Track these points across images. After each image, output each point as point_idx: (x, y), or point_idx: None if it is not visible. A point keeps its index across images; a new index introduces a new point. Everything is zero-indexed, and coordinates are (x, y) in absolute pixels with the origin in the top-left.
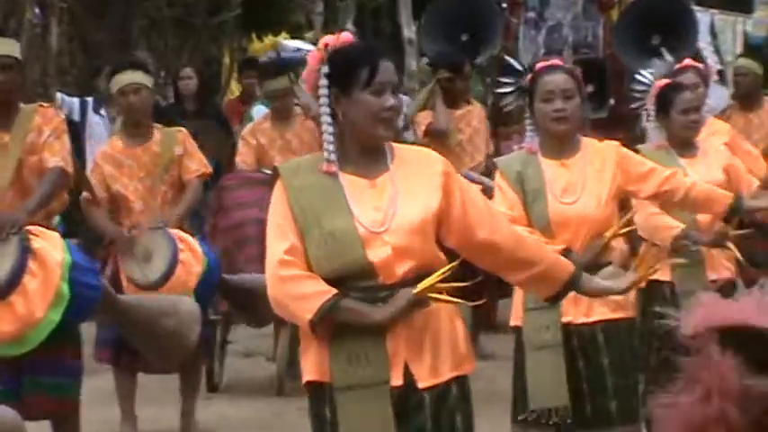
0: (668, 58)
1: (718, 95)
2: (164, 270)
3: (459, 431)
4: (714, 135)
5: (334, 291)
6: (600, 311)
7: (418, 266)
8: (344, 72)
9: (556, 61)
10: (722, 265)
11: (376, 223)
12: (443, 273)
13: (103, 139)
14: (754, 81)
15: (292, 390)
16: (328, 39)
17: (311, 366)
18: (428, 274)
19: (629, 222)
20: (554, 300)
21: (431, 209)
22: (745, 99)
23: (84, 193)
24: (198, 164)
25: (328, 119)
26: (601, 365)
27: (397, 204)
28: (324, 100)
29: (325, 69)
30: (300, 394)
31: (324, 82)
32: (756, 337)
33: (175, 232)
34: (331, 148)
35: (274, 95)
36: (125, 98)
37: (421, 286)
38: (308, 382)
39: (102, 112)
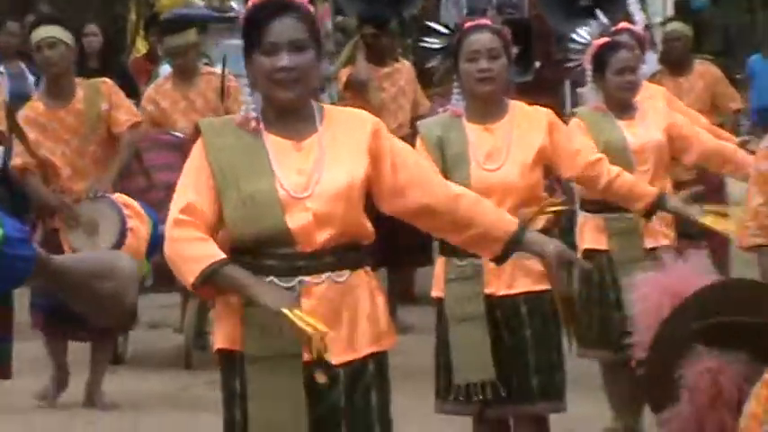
0: (603, 19)
1: (647, 59)
2: (113, 241)
3: (374, 408)
4: (650, 99)
5: (221, 256)
6: (523, 282)
7: (339, 234)
8: (246, 32)
9: (483, 20)
10: (660, 232)
11: (299, 187)
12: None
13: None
14: (686, 45)
15: (200, 362)
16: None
17: (223, 334)
18: (350, 244)
19: (556, 203)
20: (500, 261)
21: (358, 174)
22: (675, 64)
23: (17, 160)
24: (127, 114)
25: (245, 79)
26: (523, 338)
27: (323, 169)
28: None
29: (240, 29)
30: (208, 367)
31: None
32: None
33: (119, 198)
34: (252, 107)
35: (176, 52)
36: (41, 53)
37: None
38: (219, 350)
39: (2, 68)
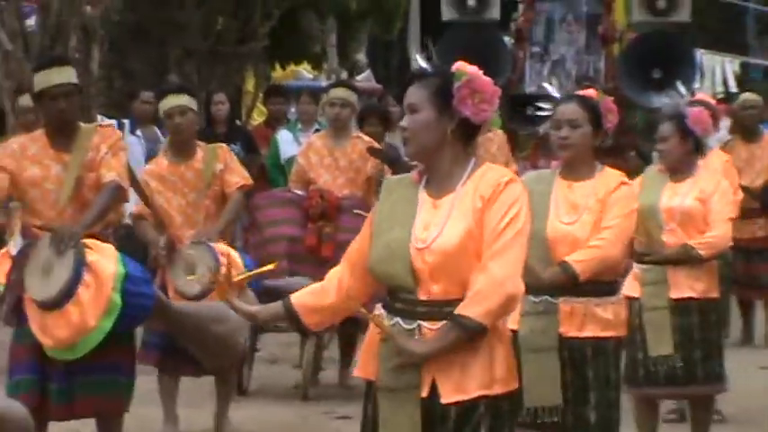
0: (682, 91)
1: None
2: (206, 282)
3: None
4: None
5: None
6: (591, 328)
7: (453, 285)
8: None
9: (582, 92)
10: (685, 284)
11: (422, 241)
12: None
13: (139, 158)
14: (760, 114)
15: (316, 395)
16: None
17: (362, 364)
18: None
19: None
20: None
21: (470, 234)
22: (747, 131)
23: (134, 207)
24: (238, 177)
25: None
26: (586, 377)
27: (446, 225)
28: None
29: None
30: (323, 399)
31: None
32: None
33: (217, 246)
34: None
35: (334, 117)
36: (171, 120)
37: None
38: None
39: (138, 132)
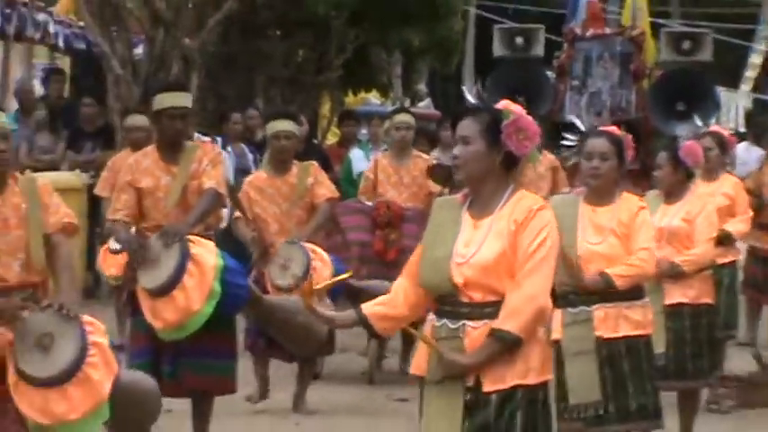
0: (698, 122)
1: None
2: (299, 275)
3: (518, 426)
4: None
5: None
6: (624, 328)
7: (488, 293)
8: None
9: (608, 128)
10: (678, 291)
11: (462, 256)
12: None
13: (229, 171)
14: None
15: (380, 380)
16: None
17: (416, 363)
18: (498, 304)
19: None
20: None
21: (503, 253)
22: None
23: (236, 213)
24: (326, 190)
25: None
26: (622, 372)
27: (483, 245)
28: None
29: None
30: (386, 384)
31: None
32: None
33: (308, 245)
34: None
35: (399, 138)
36: (277, 141)
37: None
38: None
39: (229, 149)
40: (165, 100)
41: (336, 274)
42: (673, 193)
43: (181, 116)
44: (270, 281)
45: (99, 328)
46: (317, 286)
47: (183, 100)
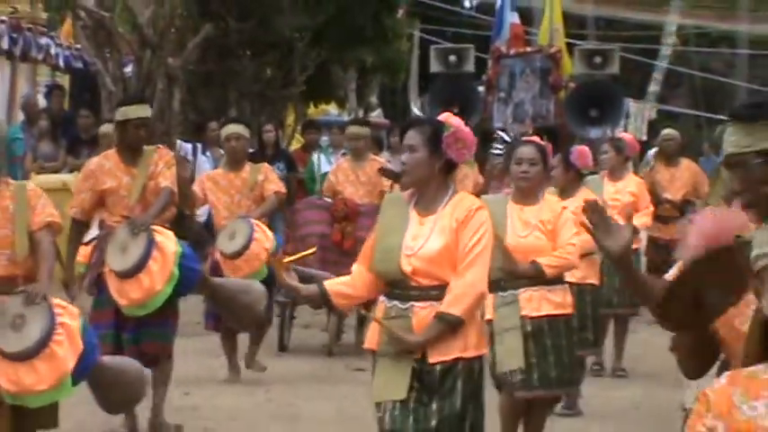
0: (607, 131)
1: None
2: (243, 243)
3: (459, 391)
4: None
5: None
6: (546, 308)
7: (433, 280)
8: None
9: (533, 138)
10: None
11: (410, 248)
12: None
13: (209, 172)
14: (678, 145)
15: (338, 352)
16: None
17: (370, 338)
18: (442, 288)
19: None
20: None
21: (447, 246)
22: (668, 158)
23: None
24: (275, 185)
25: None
26: (545, 345)
27: (429, 239)
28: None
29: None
30: (345, 356)
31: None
32: None
33: (254, 221)
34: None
35: (354, 145)
36: (229, 142)
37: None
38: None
39: (207, 153)
40: (129, 112)
41: (277, 248)
42: (565, 191)
43: (144, 125)
44: (218, 249)
45: (71, 312)
46: (287, 259)
47: (145, 111)
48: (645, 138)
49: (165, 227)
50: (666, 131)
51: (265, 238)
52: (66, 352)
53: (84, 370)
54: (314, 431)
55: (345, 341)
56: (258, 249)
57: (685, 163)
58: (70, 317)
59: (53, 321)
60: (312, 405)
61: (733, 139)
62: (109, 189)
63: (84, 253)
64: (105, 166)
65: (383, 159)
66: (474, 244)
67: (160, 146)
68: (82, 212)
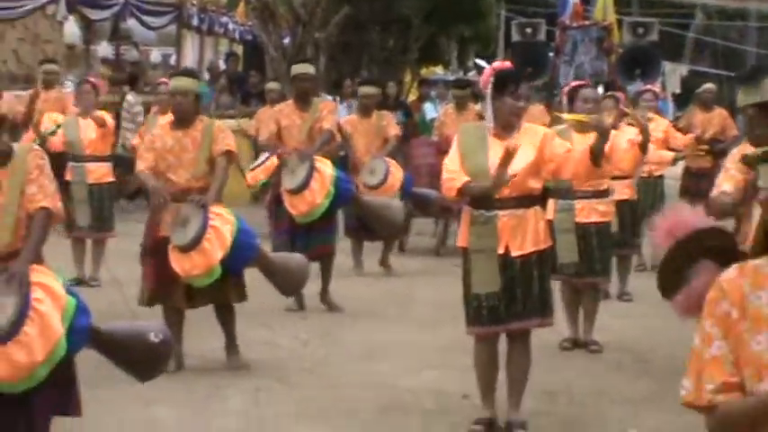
0: (641, 83)
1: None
2: (381, 178)
3: (536, 277)
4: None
5: (467, 179)
6: (594, 217)
7: (517, 191)
8: (500, 83)
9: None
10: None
11: (495, 164)
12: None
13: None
14: (713, 95)
15: (444, 253)
16: (496, 65)
17: (461, 237)
18: (525, 196)
19: None
20: None
21: (529, 160)
22: (705, 105)
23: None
24: (393, 129)
25: (490, 106)
26: (592, 245)
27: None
28: (489, 94)
29: (492, 80)
30: (451, 256)
31: (490, 86)
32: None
33: (387, 159)
34: (491, 122)
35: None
36: (363, 99)
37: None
38: (461, 247)
39: (344, 103)
40: (296, 69)
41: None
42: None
43: (308, 79)
44: (362, 182)
45: (224, 218)
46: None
47: (307, 69)
48: (678, 90)
49: (326, 157)
50: (707, 85)
51: (224, 223)
52: (214, 246)
53: (240, 260)
54: (422, 311)
55: (449, 245)
56: (393, 181)
57: (718, 110)
58: (221, 221)
59: (206, 223)
60: (422, 292)
61: (741, 96)
62: (285, 126)
63: (264, 170)
64: (284, 111)
65: (478, 107)
66: (557, 152)
67: (328, 98)
68: (269, 139)
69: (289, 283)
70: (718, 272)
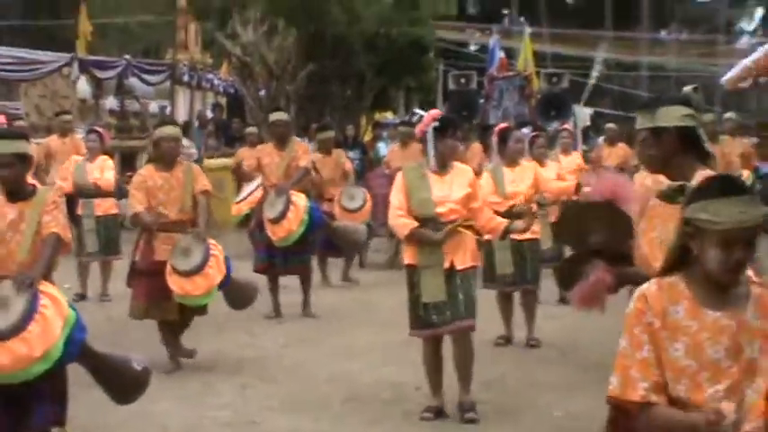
0: (557, 123)
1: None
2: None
3: (471, 287)
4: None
5: (416, 224)
6: (526, 234)
7: (458, 217)
8: (442, 127)
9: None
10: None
11: (440, 197)
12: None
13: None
14: (616, 133)
15: (398, 266)
16: (434, 113)
17: (408, 255)
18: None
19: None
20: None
21: (464, 192)
22: (611, 141)
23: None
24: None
25: (431, 147)
26: (526, 258)
27: (452, 189)
28: (432, 136)
29: (436, 124)
30: (402, 269)
31: (431, 130)
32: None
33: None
34: (432, 161)
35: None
36: (323, 140)
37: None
38: (408, 264)
39: (311, 145)
40: (272, 116)
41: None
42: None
43: (282, 125)
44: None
45: (218, 249)
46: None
47: (282, 116)
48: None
49: (299, 191)
50: (611, 125)
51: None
52: (215, 272)
53: (227, 282)
54: (384, 314)
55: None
56: (368, 207)
57: (620, 145)
58: (219, 251)
59: (208, 252)
60: (381, 300)
61: (639, 121)
62: (266, 164)
63: (247, 203)
64: (265, 150)
65: (420, 146)
66: (479, 197)
67: (300, 140)
68: (249, 169)
69: (241, 300)
70: (608, 269)
